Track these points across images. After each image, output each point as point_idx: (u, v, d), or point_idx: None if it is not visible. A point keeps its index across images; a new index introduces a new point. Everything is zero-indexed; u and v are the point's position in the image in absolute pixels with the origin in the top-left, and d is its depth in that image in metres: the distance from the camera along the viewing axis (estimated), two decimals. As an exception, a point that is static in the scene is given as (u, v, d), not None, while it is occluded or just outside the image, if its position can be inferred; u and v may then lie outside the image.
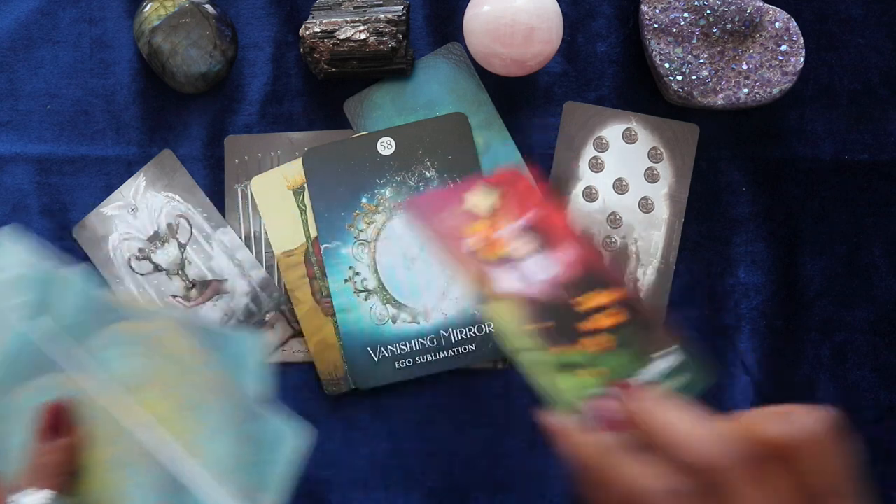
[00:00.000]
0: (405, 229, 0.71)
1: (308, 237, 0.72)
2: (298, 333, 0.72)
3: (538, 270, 0.63)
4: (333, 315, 0.71)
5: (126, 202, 0.72)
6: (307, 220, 0.72)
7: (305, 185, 0.71)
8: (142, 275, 0.72)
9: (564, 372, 0.60)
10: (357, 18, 0.69)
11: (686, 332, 0.65)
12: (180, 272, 0.72)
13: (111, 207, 0.72)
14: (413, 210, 0.66)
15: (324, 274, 0.71)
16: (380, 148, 0.71)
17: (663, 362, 0.61)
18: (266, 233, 0.72)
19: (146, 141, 0.73)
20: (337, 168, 0.71)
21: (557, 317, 0.62)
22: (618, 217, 0.72)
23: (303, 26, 0.70)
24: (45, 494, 0.54)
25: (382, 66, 0.70)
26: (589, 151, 0.73)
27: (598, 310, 0.62)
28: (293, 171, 0.72)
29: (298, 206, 0.72)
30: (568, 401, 0.59)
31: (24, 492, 0.54)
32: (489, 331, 0.71)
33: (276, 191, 0.72)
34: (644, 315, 0.62)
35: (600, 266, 0.63)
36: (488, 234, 0.64)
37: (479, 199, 0.65)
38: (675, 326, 0.63)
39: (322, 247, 0.71)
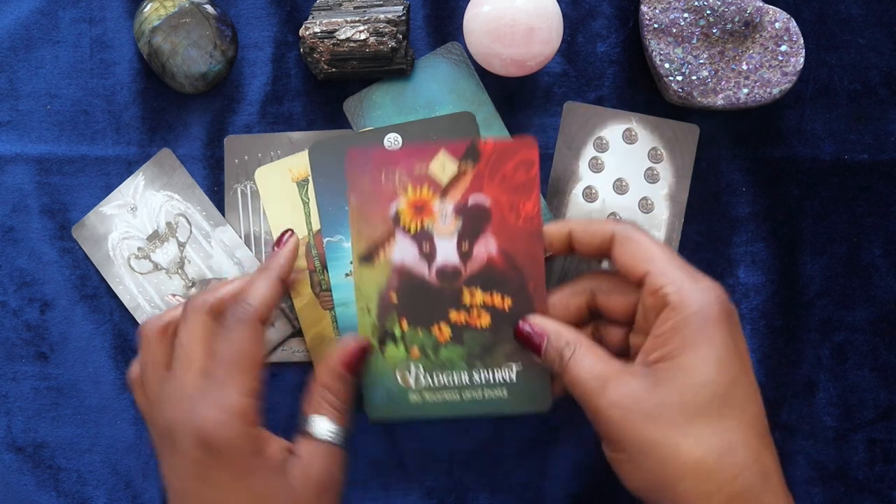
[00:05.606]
0: None
1: (310, 230, 0.71)
2: (298, 332, 0.72)
3: (446, 254, 0.64)
4: (332, 309, 0.71)
5: (125, 201, 0.72)
6: (310, 213, 0.71)
7: (310, 178, 0.71)
8: (141, 274, 0.72)
9: (387, 342, 0.64)
10: (357, 18, 0.69)
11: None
12: (180, 271, 0.72)
13: (111, 206, 0.72)
14: (352, 160, 0.65)
15: (324, 267, 0.71)
16: (387, 144, 0.71)
17: (496, 373, 0.64)
18: (265, 232, 0.72)
19: (146, 141, 0.73)
20: (343, 162, 0.71)
21: (431, 298, 0.64)
22: (618, 217, 0.72)
23: (303, 26, 0.70)
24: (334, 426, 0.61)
25: (382, 66, 0.70)
26: (589, 151, 0.73)
27: (477, 307, 0.64)
28: (298, 163, 0.72)
29: (302, 198, 0.71)
30: (383, 368, 0.64)
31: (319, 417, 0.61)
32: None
33: (280, 183, 0.72)
34: (512, 329, 0.64)
35: (507, 272, 0.64)
36: (424, 202, 0.64)
37: (439, 167, 0.64)
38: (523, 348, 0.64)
39: (324, 240, 0.70)
